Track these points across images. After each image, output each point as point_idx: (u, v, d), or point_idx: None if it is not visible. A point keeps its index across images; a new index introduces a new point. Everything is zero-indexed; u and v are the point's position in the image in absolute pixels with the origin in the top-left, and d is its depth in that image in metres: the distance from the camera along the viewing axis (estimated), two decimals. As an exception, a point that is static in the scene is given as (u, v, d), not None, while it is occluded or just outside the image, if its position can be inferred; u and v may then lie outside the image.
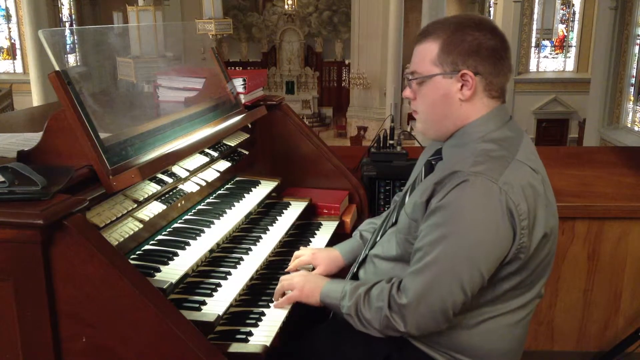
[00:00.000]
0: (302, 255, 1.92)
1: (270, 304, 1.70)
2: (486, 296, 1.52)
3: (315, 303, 1.67)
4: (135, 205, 1.66)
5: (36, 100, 13.61)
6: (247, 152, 2.44)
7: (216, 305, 1.55)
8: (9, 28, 18.72)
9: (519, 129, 1.60)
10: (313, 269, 1.90)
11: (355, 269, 1.81)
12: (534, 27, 17.06)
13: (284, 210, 2.26)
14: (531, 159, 1.52)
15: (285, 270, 1.91)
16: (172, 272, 1.56)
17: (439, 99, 1.55)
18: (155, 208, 1.75)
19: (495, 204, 1.39)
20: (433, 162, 1.63)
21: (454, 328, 1.53)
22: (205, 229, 1.84)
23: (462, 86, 1.52)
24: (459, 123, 1.56)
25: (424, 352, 1.59)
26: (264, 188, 2.31)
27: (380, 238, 1.76)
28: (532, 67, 17.97)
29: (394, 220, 1.72)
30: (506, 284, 1.51)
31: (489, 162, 1.44)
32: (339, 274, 1.91)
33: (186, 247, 1.71)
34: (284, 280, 1.73)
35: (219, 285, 1.65)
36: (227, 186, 2.27)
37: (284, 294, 1.72)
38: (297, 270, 1.88)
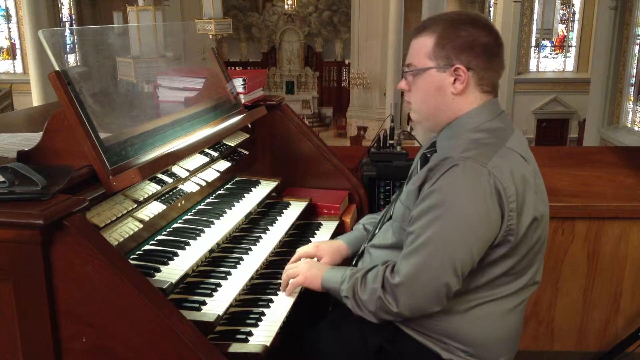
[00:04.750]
0: (305, 250, 1.93)
1: (271, 304, 1.70)
2: (477, 281, 1.54)
3: (317, 288, 1.71)
4: (135, 205, 1.66)
5: (36, 100, 13.61)
6: (247, 152, 2.43)
7: (216, 305, 1.55)
8: (9, 28, 18.71)
9: (510, 123, 1.64)
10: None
11: (354, 262, 1.85)
12: (534, 27, 17.07)
13: (284, 210, 2.26)
14: (521, 148, 1.56)
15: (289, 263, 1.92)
16: (172, 272, 1.56)
17: (432, 92, 1.59)
18: (155, 208, 1.75)
19: (484, 185, 1.43)
20: (428, 155, 1.67)
21: (446, 313, 1.56)
22: (205, 229, 1.84)
23: (454, 80, 1.56)
24: (452, 115, 1.60)
25: (416, 340, 1.61)
26: (264, 188, 2.31)
27: (378, 231, 1.82)
28: (532, 67, 17.96)
29: (390, 214, 1.77)
30: (497, 269, 1.54)
31: (479, 148, 1.49)
32: (343, 264, 1.92)
33: (186, 247, 1.71)
34: (289, 269, 1.77)
35: (219, 285, 1.64)
36: (227, 186, 2.27)
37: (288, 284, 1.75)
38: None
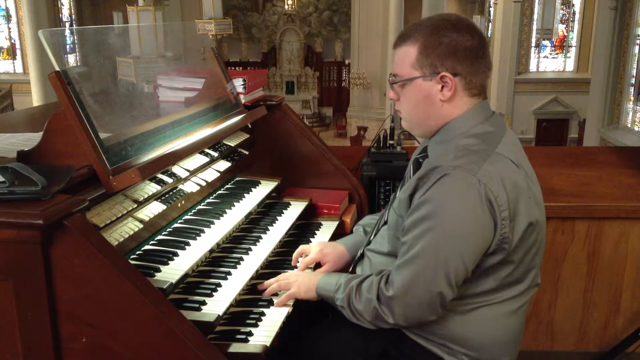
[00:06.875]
0: (307, 250, 1.93)
1: (271, 305, 1.70)
2: (477, 288, 1.54)
3: (313, 298, 1.70)
4: (135, 205, 1.66)
5: (36, 100, 13.63)
6: (247, 152, 2.44)
7: (216, 305, 1.55)
8: (9, 28, 18.72)
9: (502, 124, 1.62)
10: (315, 267, 1.90)
11: (352, 267, 1.84)
12: (534, 27, 17.07)
13: (284, 211, 2.26)
14: (513, 153, 1.54)
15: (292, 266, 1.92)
16: (172, 272, 1.56)
17: (421, 101, 1.58)
18: (155, 208, 1.75)
19: (475, 195, 1.42)
20: (420, 160, 1.67)
21: (448, 317, 1.55)
22: (205, 229, 1.84)
23: (442, 87, 1.55)
24: (442, 121, 1.59)
25: (420, 345, 1.61)
26: (264, 188, 2.31)
27: (374, 237, 1.82)
28: (532, 67, 17.96)
29: (385, 219, 1.76)
30: (496, 276, 1.53)
31: (469, 156, 1.48)
32: (345, 269, 1.92)
33: (186, 247, 1.71)
34: (281, 280, 1.74)
35: (219, 285, 1.64)
36: (227, 186, 2.26)
37: (276, 294, 1.73)
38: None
